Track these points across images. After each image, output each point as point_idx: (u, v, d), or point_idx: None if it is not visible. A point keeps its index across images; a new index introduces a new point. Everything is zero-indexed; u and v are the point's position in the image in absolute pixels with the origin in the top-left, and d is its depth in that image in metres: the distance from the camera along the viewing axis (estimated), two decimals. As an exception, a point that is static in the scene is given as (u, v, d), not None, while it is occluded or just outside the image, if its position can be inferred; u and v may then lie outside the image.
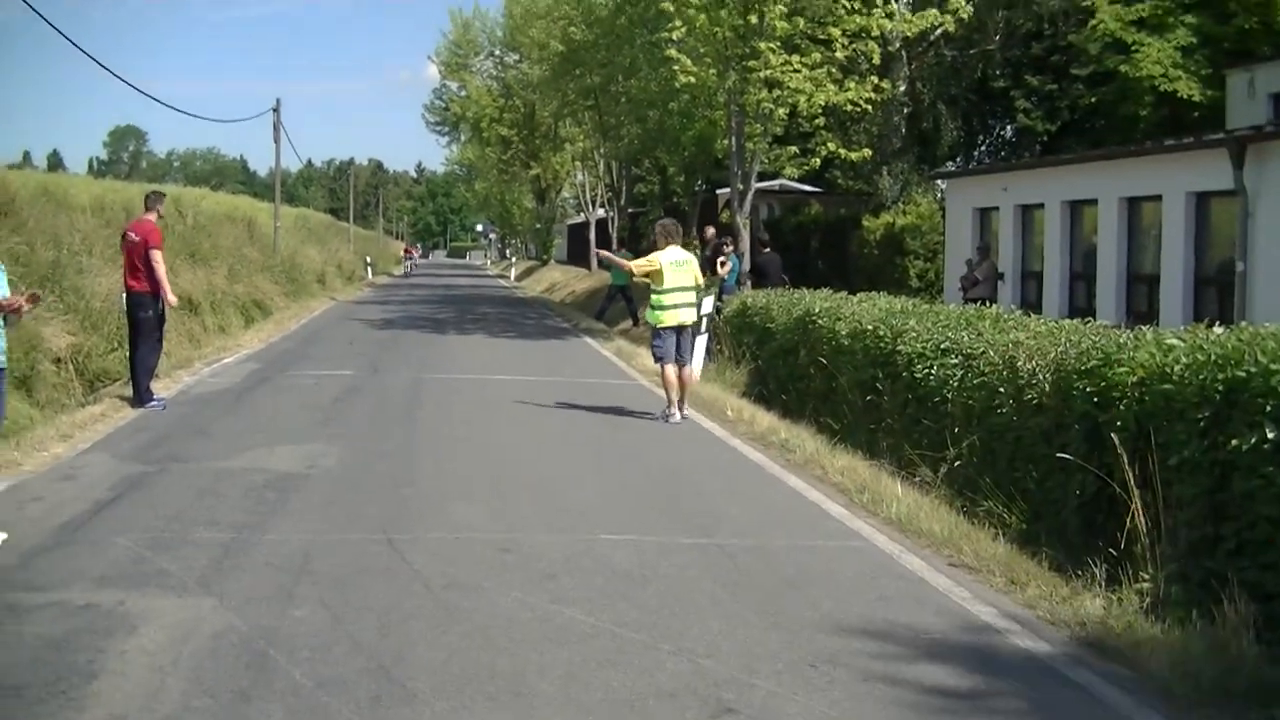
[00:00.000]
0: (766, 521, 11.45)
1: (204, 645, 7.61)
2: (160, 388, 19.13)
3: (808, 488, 13.10)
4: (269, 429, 16.21)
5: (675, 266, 17.78)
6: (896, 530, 11.09)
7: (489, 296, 60.60)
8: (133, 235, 17.96)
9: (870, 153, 33.55)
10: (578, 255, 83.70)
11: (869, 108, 30.99)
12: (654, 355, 18.17)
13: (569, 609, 8.49)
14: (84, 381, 20.41)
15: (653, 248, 18.66)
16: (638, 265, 18.34)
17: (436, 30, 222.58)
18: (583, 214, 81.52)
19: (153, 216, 18.05)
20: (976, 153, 51.85)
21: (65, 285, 22.12)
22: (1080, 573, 9.36)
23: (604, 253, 21.89)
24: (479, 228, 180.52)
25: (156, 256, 17.64)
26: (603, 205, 73.05)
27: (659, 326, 17.76)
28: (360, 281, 70.88)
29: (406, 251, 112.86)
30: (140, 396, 17.85)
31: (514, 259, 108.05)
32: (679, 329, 17.82)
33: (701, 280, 18.72)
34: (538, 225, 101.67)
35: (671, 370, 17.78)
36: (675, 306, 17.72)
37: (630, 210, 62.90)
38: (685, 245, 19.73)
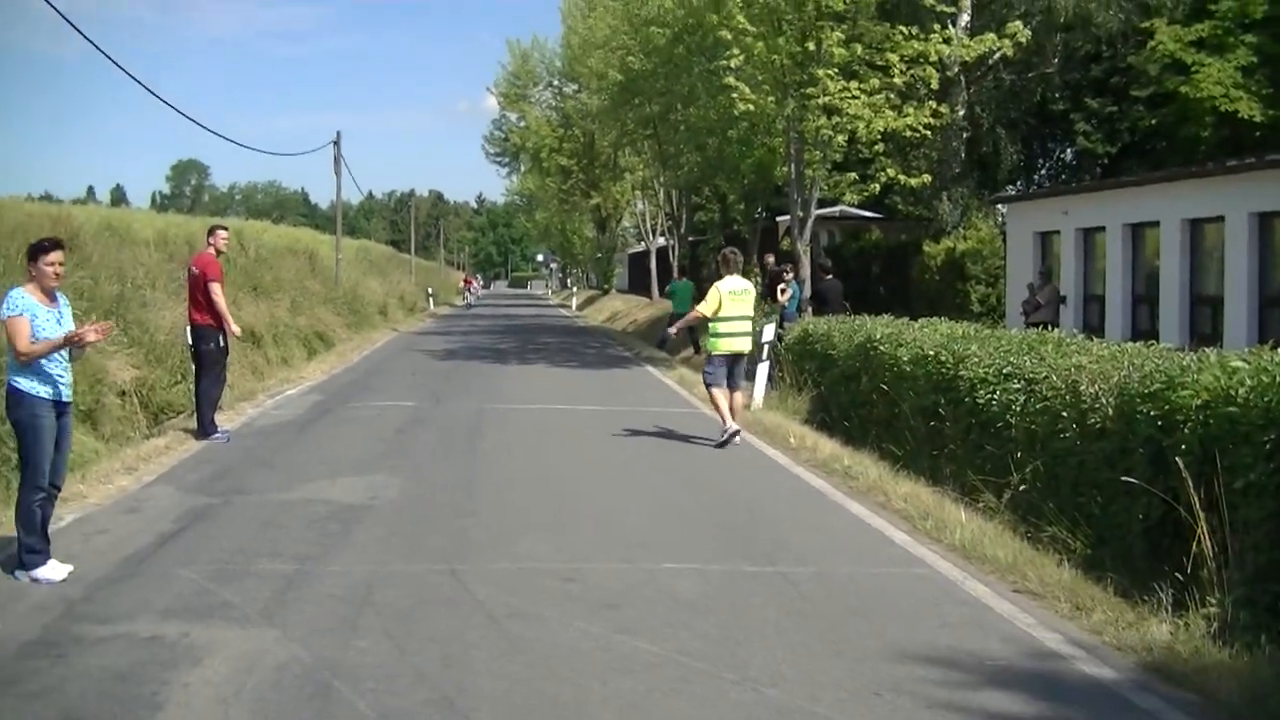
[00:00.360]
0: (829, 549, 11.41)
1: (268, 677, 7.63)
2: (224, 420, 19.26)
3: (870, 514, 13.04)
4: (332, 460, 16.24)
5: (733, 296, 18.02)
6: (960, 557, 11.03)
7: (550, 326, 60.66)
8: (194, 269, 18.18)
9: (930, 178, 33.36)
10: (639, 284, 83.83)
11: (928, 133, 30.87)
12: (705, 380, 18.49)
13: (632, 638, 8.47)
14: (148, 414, 20.49)
15: (715, 276, 18.83)
16: (704, 307, 18.25)
17: (495, 62, 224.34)
18: (643, 243, 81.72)
19: (214, 250, 18.19)
20: (1037, 176, 51.76)
21: (129, 319, 22.24)
22: (1146, 598, 9.27)
23: (673, 329, 21.75)
24: (540, 257, 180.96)
25: (215, 289, 17.74)
26: (663, 233, 73.11)
27: (715, 353, 18.07)
28: (422, 312, 71.12)
29: (466, 282, 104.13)
30: (204, 429, 17.95)
31: (575, 288, 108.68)
32: (734, 357, 18.09)
33: (751, 310, 18.75)
34: (598, 254, 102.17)
35: (720, 392, 18.07)
36: (731, 335, 18.04)
37: (691, 238, 62.82)
38: (745, 273, 19.86)
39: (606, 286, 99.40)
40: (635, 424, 20.13)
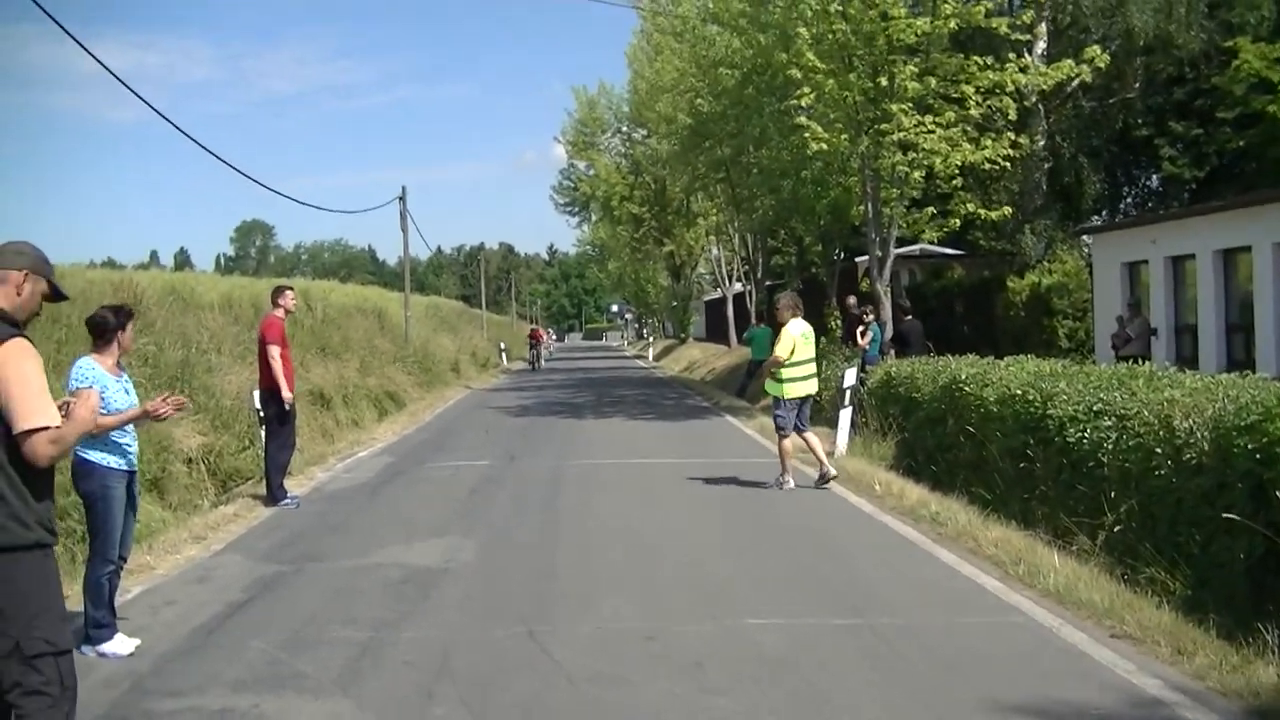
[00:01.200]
0: (919, 599, 11.29)
1: (343, 748, 7.61)
2: (294, 485, 19.34)
3: (961, 561, 12.92)
4: (405, 523, 16.26)
5: (805, 339, 18.44)
6: (1055, 602, 10.88)
7: (627, 378, 60.78)
8: (259, 332, 18.28)
9: (1011, 211, 33.19)
10: (716, 331, 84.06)
11: (1007, 165, 30.72)
12: (776, 425, 18.72)
13: (718, 698, 8.42)
14: (216, 481, 20.59)
15: (777, 320, 19.19)
16: (781, 351, 18.43)
17: (561, 110, 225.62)
18: (719, 289, 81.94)
19: (280, 312, 18.18)
20: (1122, 205, 51.32)
21: (195, 384, 22.41)
22: (1251, 639, 9.11)
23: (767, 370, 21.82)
24: (614, 308, 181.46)
25: (273, 353, 17.71)
26: (739, 279, 73.32)
27: (786, 398, 18.39)
28: (495, 368, 71.57)
29: (534, 336, 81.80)
30: (273, 494, 18.03)
31: (651, 338, 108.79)
32: (804, 400, 18.56)
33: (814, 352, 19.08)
34: (674, 303, 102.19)
35: (790, 442, 18.58)
36: (804, 379, 18.48)
37: (768, 283, 62.62)
38: (825, 316, 20.11)
39: (683, 335, 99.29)
40: (716, 476, 20.07)
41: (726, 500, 17.88)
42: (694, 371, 63.00)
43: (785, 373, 18.31)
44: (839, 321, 36.79)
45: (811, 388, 18.71)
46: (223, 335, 28.02)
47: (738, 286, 74.47)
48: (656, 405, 38.82)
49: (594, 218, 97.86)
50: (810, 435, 18.73)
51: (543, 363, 77.91)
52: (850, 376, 22.84)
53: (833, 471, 18.39)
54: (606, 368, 76.32)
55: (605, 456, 23.87)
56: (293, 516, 17.16)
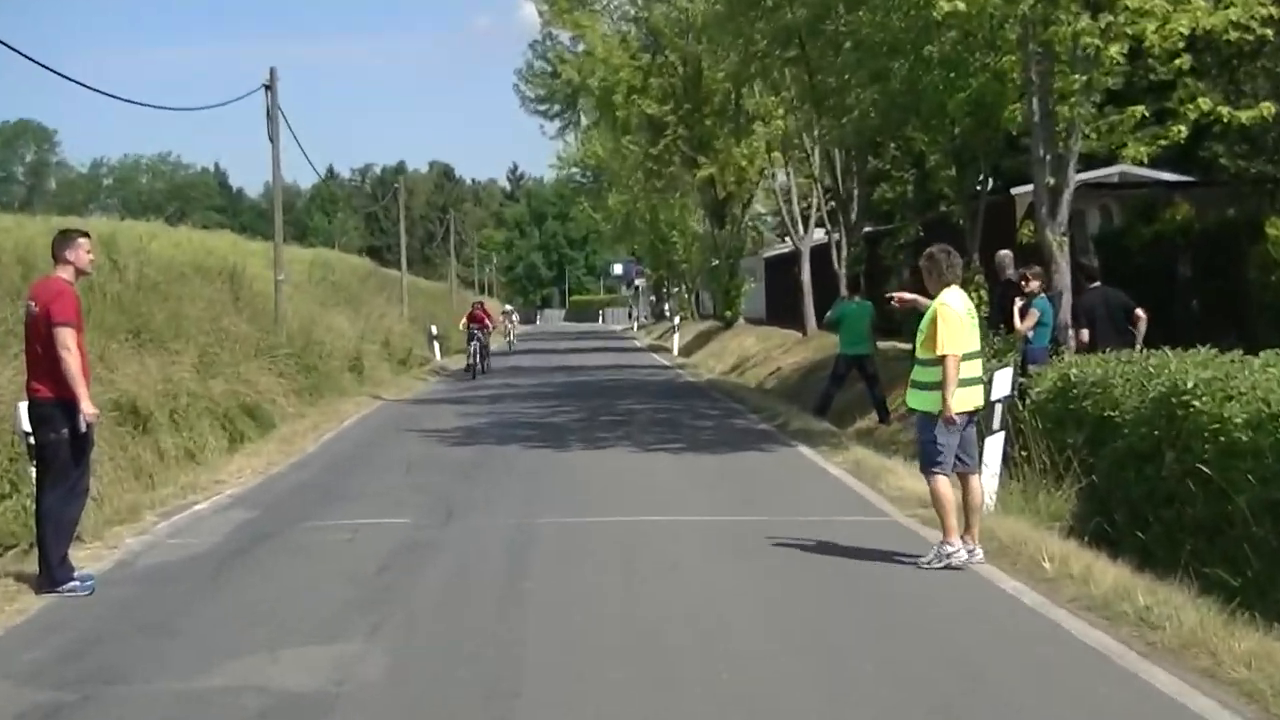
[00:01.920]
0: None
1: None
2: (85, 558, 19.24)
3: (1189, 691, 12.71)
4: (271, 620, 16.05)
5: (971, 321, 18.35)
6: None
7: (637, 383, 60.95)
8: (33, 303, 17.81)
9: (1274, 109, 32.91)
10: (782, 308, 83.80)
11: (1269, 33, 30.46)
12: (926, 460, 18.48)
13: None
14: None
15: (914, 290, 19.36)
16: (953, 341, 18.13)
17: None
18: (787, 239, 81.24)
19: (69, 273, 17.89)
20: None
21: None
22: None
23: (903, 297, 20.78)
24: (616, 269, 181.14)
25: (66, 338, 17.20)
26: (821, 223, 72.34)
27: (936, 414, 18.14)
28: (422, 366, 71.85)
29: (473, 318, 71.34)
30: (52, 573, 17.73)
31: (677, 319, 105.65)
32: (969, 416, 18.53)
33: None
34: (714, 262, 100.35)
35: (947, 484, 18.19)
36: (969, 383, 18.25)
37: (868, 229, 62.20)
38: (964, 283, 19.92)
39: (729, 314, 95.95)
40: (783, 543, 20.06)
41: (803, 585, 17.76)
42: (745, 373, 63.27)
43: (936, 374, 18.13)
44: (983, 293, 36.73)
45: (977, 398, 18.62)
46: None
47: (818, 235, 73.41)
48: (685, 428, 38.81)
49: (585, 122, 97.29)
50: (975, 480, 18.68)
51: (489, 363, 71.85)
52: (1003, 383, 22.60)
53: (963, 555, 18.15)
54: (604, 366, 76.35)
55: (603, 511, 23.86)
56: (82, 609, 16.90)
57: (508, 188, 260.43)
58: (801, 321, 69.08)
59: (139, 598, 17.62)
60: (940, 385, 17.97)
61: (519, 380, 62.17)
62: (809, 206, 75.84)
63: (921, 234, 49.12)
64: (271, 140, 55.57)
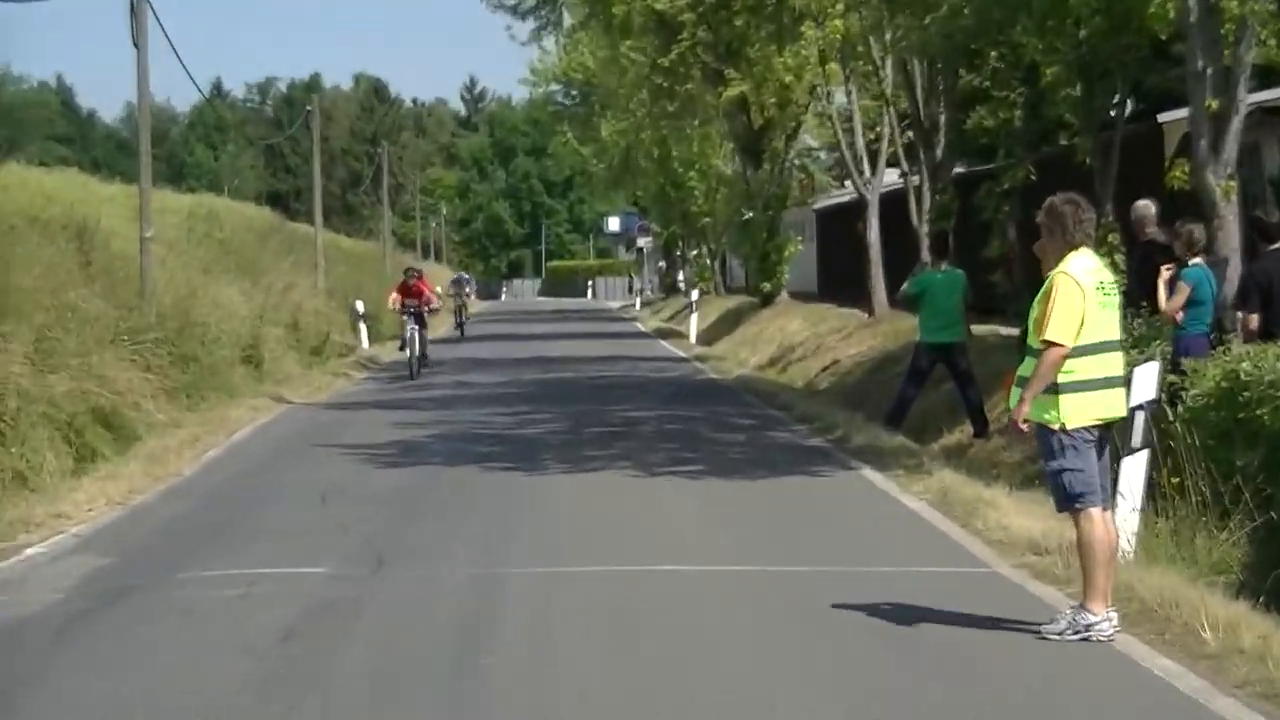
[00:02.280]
0: None
1: None
2: None
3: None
4: (130, 714, 13.75)
5: (1102, 296, 15.60)
6: None
7: (639, 379, 57.13)
8: None
9: None
10: (840, 278, 79.01)
11: None
12: (1063, 494, 15.60)
13: None
14: None
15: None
16: (1062, 327, 15.34)
17: None
18: (849, 184, 74.26)
19: None
20: None
21: None
22: None
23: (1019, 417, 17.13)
24: (612, 224, 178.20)
25: None
26: (895, 162, 63.83)
27: (1073, 427, 15.37)
28: (342, 358, 66.99)
29: (407, 289, 60.15)
30: None
31: (695, 293, 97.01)
32: (1105, 429, 15.83)
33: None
34: (746, 214, 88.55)
35: (1103, 525, 15.64)
36: (1101, 384, 15.55)
37: (959, 170, 56.78)
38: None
39: (767, 286, 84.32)
40: (844, 604, 17.28)
41: (869, 666, 15.23)
42: (789, 368, 58.69)
43: (1071, 366, 15.26)
44: (1117, 258, 31.98)
45: (1116, 405, 15.75)
46: None
47: (891, 177, 65.93)
48: (705, 443, 35.15)
49: (569, 22, 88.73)
50: (1107, 517, 16.01)
51: (429, 357, 60.51)
52: (1145, 383, 19.29)
53: (1108, 628, 15.43)
54: (595, 358, 69.53)
55: (589, 558, 21.20)
56: None
57: (462, 111, 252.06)
58: (868, 297, 61.92)
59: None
60: (1062, 387, 15.30)
61: (477, 377, 57.23)
62: (878, 139, 67.96)
63: (1034, 177, 45.11)
64: (136, 45, 50.05)
